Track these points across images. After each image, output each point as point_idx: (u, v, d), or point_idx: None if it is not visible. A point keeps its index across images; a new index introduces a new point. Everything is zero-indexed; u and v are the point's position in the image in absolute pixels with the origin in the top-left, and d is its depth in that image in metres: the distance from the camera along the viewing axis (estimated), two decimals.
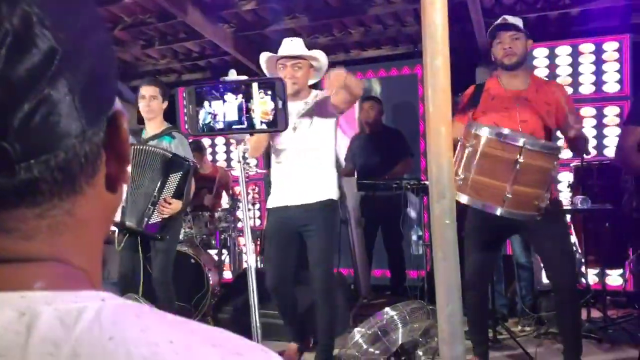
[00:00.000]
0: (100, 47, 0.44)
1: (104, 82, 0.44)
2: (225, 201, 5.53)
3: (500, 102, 2.85)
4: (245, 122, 1.94)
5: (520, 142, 2.39)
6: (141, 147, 3.39)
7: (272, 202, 3.27)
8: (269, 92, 1.92)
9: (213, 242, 4.92)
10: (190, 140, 5.42)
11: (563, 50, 4.94)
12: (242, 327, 3.94)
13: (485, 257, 2.98)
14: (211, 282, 4.44)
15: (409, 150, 4.91)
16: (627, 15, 5.04)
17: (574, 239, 4.19)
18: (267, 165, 5.96)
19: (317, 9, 5.17)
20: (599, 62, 4.85)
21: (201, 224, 4.83)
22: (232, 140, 2.02)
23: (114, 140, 0.46)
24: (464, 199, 2.46)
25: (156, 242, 3.45)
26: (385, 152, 4.81)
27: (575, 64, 4.91)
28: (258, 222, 6.13)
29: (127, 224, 3.35)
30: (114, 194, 0.47)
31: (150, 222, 3.36)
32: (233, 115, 1.94)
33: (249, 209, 5.94)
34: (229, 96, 1.93)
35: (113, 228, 3.46)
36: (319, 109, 3.11)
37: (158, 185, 3.35)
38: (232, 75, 2.01)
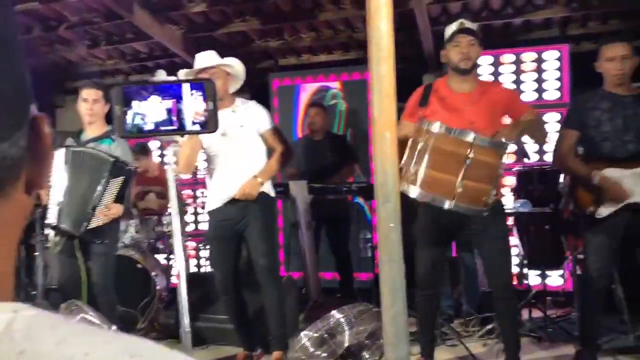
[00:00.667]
0: (12, 55, 0.43)
1: (20, 89, 0.44)
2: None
3: (450, 103, 2.93)
4: (176, 124, 1.92)
5: (470, 138, 2.47)
6: (79, 150, 3.34)
7: (210, 206, 3.38)
8: (200, 93, 1.91)
9: (161, 246, 4.84)
10: (138, 142, 5.35)
11: (507, 59, 5.11)
12: (192, 332, 3.91)
13: (436, 256, 3.05)
14: (158, 287, 4.37)
15: (354, 154, 4.98)
16: (566, 26, 5.26)
17: (516, 241, 4.33)
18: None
19: (267, 13, 5.17)
20: (540, 70, 5.04)
21: (148, 228, 4.74)
22: (161, 142, 2.03)
23: (35, 145, 0.45)
24: (414, 192, 2.51)
25: (95, 246, 3.40)
26: (331, 157, 4.86)
27: (518, 72, 5.09)
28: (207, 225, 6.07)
29: (62, 227, 3.29)
30: (30, 197, 0.46)
31: (89, 227, 3.30)
32: (163, 117, 1.92)
33: (199, 213, 5.89)
34: (158, 97, 1.91)
35: (47, 231, 3.39)
36: (248, 116, 3.28)
37: (99, 189, 3.29)
38: (161, 75, 1.99)
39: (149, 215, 4.86)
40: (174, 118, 1.93)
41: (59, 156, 3.31)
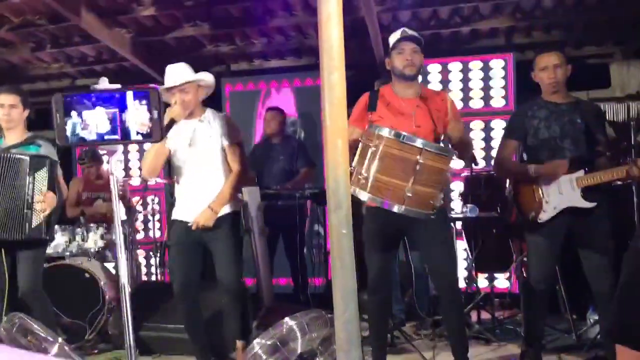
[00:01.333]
0: None
1: None
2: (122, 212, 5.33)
3: (396, 108, 2.99)
4: (119, 133, 1.89)
5: (419, 143, 2.52)
6: (2, 156, 3.26)
7: (176, 215, 3.36)
8: (144, 102, 1.89)
9: (109, 254, 4.72)
10: (86, 149, 5.21)
11: (454, 67, 5.24)
12: (141, 342, 3.84)
13: (386, 260, 3.08)
14: (107, 297, 4.26)
15: (311, 160, 4.99)
16: (511, 35, 5.44)
17: (464, 245, 4.44)
18: (168, 175, 5.84)
19: (218, 18, 5.14)
20: (486, 78, 5.19)
21: (96, 236, 4.62)
22: (104, 151, 2.02)
23: None
24: (364, 196, 2.53)
25: (22, 251, 3.34)
26: (288, 162, 4.86)
27: (465, 80, 5.23)
28: (158, 233, 5.97)
29: (4, 237, 3.22)
30: None
31: (34, 226, 3.25)
32: (106, 126, 1.89)
33: (148, 220, 5.78)
34: (101, 106, 1.88)
35: None
36: (217, 128, 3.27)
37: (28, 188, 3.25)
38: (104, 83, 1.95)
39: (97, 223, 4.74)
40: (118, 127, 1.89)
41: None
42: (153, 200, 5.42)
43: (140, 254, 5.73)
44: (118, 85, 1.93)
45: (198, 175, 3.26)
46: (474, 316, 4.14)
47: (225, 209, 3.26)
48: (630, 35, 5.16)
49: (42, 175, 3.31)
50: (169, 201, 5.97)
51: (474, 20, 5.13)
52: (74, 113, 1.89)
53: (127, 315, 2.02)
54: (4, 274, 3.35)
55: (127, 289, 2.04)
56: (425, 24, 5.20)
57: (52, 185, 3.36)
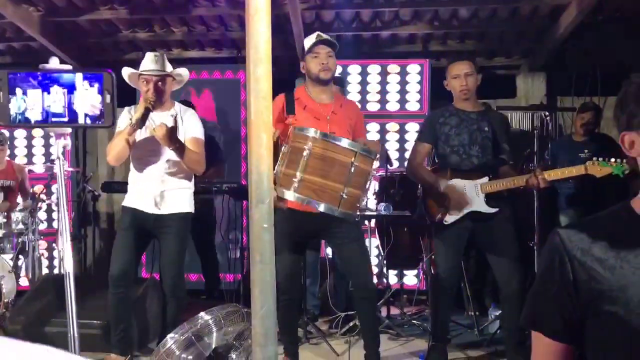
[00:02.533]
0: None
1: None
2: (21, 201, 5.01)
3: (312, 112, 3.02)
4: (67, 116, 1.80)
5: (351, 145, 2.56)
6: None
7: (130, 202, 3.32)
8: (96, 85, 1.80)
9: (8, 246, 4.42)
10: None
11: (373, 69, 5.36)
12: (36, 338, 3.62)
13: (296, 260, 3.13)
14: (4, 291, 3.99)
15: (221, 155, 4.93)
16: (428, 42, 5.64)
17: (376, 242, 4.56)
18: (76, 164, 5.56)
19: (137, 3, 4.95)
20: (403, 82, 5.35)
21: None
22: (51, 134, 1.84)
23: None
24: (290, 196, 2.53)
25: None
26: None
27: (383, 83, 5.36)
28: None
29: None
30: None
31: None
32: (54, 108, 1.79)
33: (52, 210, 5.47)
34: (50, 86, 1.78)
35: None
36: (184, 122, 3.29)
37: None
38: (54, 63, 1.84)
39: None
40: (66, 109, 1.79)
41: None
42: (57, 189, 5.14)
43: (42, 245, 5.40)
44: (69, 66, 1.83)
45: (161, 166, 3.26)
46: (384, 311, 4.26)
47: (181, 207, 3.31)
48: (536, 50, 5.51)
49: None
50: (76, 190, 5.69)
51: (394, 25, 5.27)
52: (18, 91, 1.78)
53: (71, 308, 1.91)
54: None
55: (71, 282, 1.93)
56: (348, 26, 5.27)
57: None
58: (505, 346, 3.31)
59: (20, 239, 4.52)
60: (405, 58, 5.45)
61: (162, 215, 3.27)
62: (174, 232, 3.28)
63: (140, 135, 3.21)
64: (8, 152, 5.10)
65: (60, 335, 3.66)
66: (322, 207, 2.55)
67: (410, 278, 5.12)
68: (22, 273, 4.73)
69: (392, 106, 5.36)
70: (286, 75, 5.01)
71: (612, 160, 2.94)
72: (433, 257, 4.14)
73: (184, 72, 3.33)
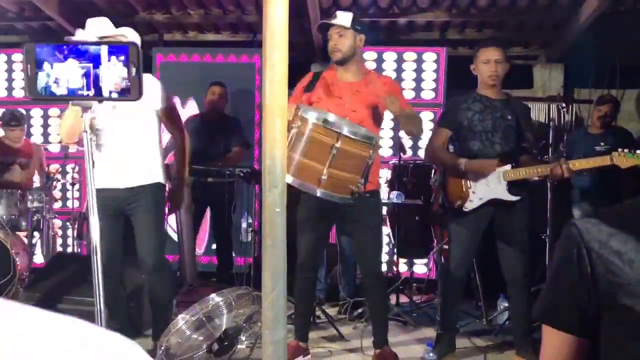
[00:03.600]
0: None
1: None
2: (37, 179, 5.07)
3: (334, 91, 3.03)
4: (93, 90, 1.77)
5: (341, 129, 2.54)
6: None
7: (97, 183, 3.07)
8: (121, 58, 1.77)
9: (23, 223, 4.48)
10: (8, 110, 4.92)
11: (389, 56, 5.32)
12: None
13: (317, 241, 3.14)
14: (19, 267, 4.06)
15: (246, 140, 4.94)
16: (446, 30, 5.59)
17: (388, 230, 4.56)
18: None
19: None
20: (419, 70, 5.31)
21: (10, 202, 4.38)
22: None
23: None
24: (287, 178, 2.54)
25: None
26: (222, 139, 4.78)
27: (399, 70, 5.32)
28: (77, 203, 5.72)
29: None
30: None
31: None
32: (78, 81, 1.76)
33: (67, 189, 5.53)
34: (74, 59, 1.75)
35: None
36: (147, 88, 3.00)
37: None
38: (80, 35, 1.82)
39: (10, 189, 4.48)
40: (91, 83, 1.76)
41: None
42: (73, 168, 5.19)
43: (57, 224, 5.47)
44: (94, 39, 1.80)
45: (122, 140, 3.01)
46: (393, 299, 4.27)
47: (151, 178, 3.08)
48: (555, 40, 5.44)
49: None
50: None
51: (412, 12, 5.23)
52: (46, 65, 1.75)
53: (98, 284, 1.88)
54: None
55: (99, 259, 1.90)
56: (364, 12, 5.24)
57: None
58: (514, 336, 3.32)
59: (35, 217, 4.58)
60: (422, 46, 5.40)
61: (131, 189, 3.06)
62: (148, 202, 3.07)
63: (101, 110, 2.86)
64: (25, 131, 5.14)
65: (72, 313, 3.71)
66: (305, 187, 2.54)
67: (421, 267, 5.12)
68: (37, 250, 4.81)
69: (407, 94, 5.31)
70: (302, 60, 5.00)
71: (639, 151, 2.89)
72: (444, 246, 4.15)
73: (127, 31, 3.00)
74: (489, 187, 3.16)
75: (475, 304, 4.30)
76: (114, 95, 1.80)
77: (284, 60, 2.19)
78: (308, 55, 5.58)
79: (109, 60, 1.78)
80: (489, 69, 3.19)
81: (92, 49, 1.77)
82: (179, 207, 3.17)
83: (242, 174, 4.32)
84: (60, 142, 5.45)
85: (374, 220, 3.10)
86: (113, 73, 1.78)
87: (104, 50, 1.77)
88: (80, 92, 1.78)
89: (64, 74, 1.77)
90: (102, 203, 3.04)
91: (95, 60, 1.77)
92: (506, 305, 3.80)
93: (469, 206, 3.17)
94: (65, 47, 1.77)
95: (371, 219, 3.05)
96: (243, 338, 2.53)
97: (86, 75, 1.77)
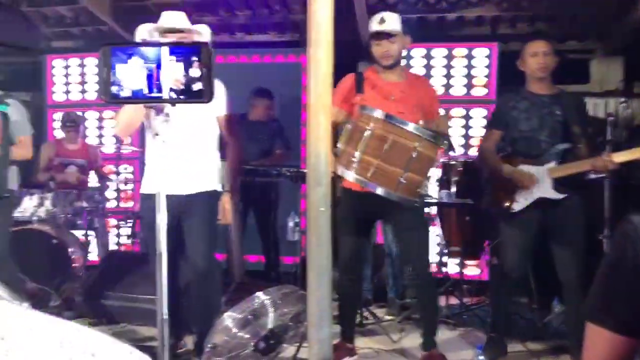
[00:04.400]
0: None
1: None
2: (93, 180, 5.23)
3: (380, 92, 3.01)
4: (155, 90, 1.74)
5: (415, 129, 2.54)
6: None
7: (149, 189, 3.02)
8: (181, 59, 1.72)
9: (79, 222, 4.63)
10: (68, 112, 5.10)
11: (439, 53, 5.23)
12: (97, 310, 3.80)
13: (360, 241, 3.12)
14: (75, 265, 4.19)
15: (288, 143, 4.96)
16: (497, 25, 5.45)
17: (438, 230, 4.48)
18: (142, 144, 5.73)
19: None
20: (470, 66, 5.19)
21: (67, 202, 4.53)
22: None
23: None
24: (350, 176, 2.54)
25: None
26: (265, 141, 4.82)
27: (448, 67, 5.22)
28: (131, 203, 5.88)
29: None
30: None
31: None
32: (141, 82, 1.73)
33: (121, 189, 5.69)
34: (142, 61, 1.72)
35: None
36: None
37: None
38: (147, 29, 1.80)
39: (67, 189, 4.64)
40: (153, 84, 1.73)
41: None
42: (126, 169, 5.34)
43: (111, 223, 5.63)
44: (171, 40, 1.77)
45: (182, 145, 2.91)
46: (442, 301, 4.19)
47: (208, 185, 3.01)
48: (613, 32, 5.21)
49: None
50: (143, 170, 5.86)
51: (461, 7, 5.11)
52: (118, 67, 1.73)
53: (161, 286, 1.89)
54: None
55: (164, 258, 1.90)
56: (412, 7, 5.16)
57: None
58: (569, 340, 3.19)
59: (90, 216, 4.72)
60: (472, 41, 5.28)
61: (187, 196, 2.97)
62: (203, 210, 3.01)
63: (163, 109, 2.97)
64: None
65: (122, 309, 3.81)
66: (379, 190, 2.54)
67: (471, 268, 5.00)
68: (91, 248, 4.96)
69: (458, 91, 5.22)
70: (348, 59, 4.96)
71: None
72: (496, 247, 4.04)
73: (204, 28, 2.98)
74: (535, 186, 3.06)
75: (529, 306, 4.16)
76: (172, 95, 1.75)
77: (328, 58, 2.17)
78: (354, 53, 5.54)
79: (178, 61, 1.73)
80: (536, 61, 3.11)
81: (161, 50, 1.73)
82: (230, 217, 3.06)
83: (288, 173, 4.33)
84: (115, 136, 5.57)
85: (419, 220, 3.06)
86: (173, 74, 1.74)
87: (164, 50, 1.73)
88: (151, 95, 1.74)
89: (133, 76, 1.73)
90: (151, 213, 2.98)
91: (157, 61, 1.73)
92: (561, 307, 3.66)
93: (516, 207, 3.10)
94: (130, 48, 1.74)
95: (417, 219, 3.01)
96: (289, 337, 2.52)
97: (153, 77, 1.73)
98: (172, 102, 1.79)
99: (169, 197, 2.76)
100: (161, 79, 1.74)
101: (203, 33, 2.98)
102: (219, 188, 3.08)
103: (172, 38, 2.85)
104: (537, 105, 3.14)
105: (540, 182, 3.06)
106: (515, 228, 3.14)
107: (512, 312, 3.43)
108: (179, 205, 2.88)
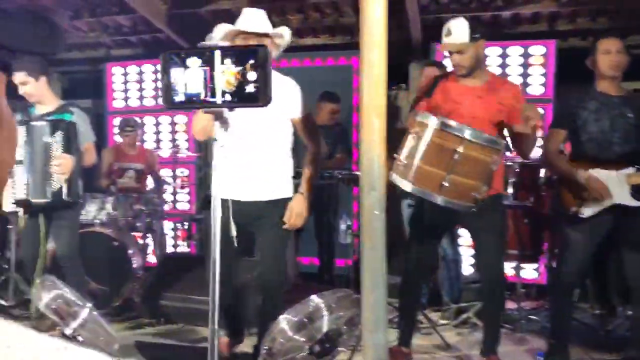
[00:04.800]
0: None
1: None
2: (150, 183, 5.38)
3: (454, 96, 2.94)
4: (209, 94, 1.74)
5: (463, 133, 2.45)
6: (28, 125, 3.33)
7: (224, 193, 2.89)
8: (233, 61, 1.71)
9: (138, 225, 4.77)
10: (126, 118, 5.28)
11: (493, 51, 5.11)
12: (154, 310, 3.90)
13: (429, 246, 3.12)
14: (134, 266, 4.32)
15: (349, 147, 4.96)
16: (554, 22, 5.28)
17: None
18: (198, 149, 5.86)
19: None
20: (525, 65, 5.05)
21: (126, 205, 4.67)
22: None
23: None
24: (407, 186, 2.50)
25: (57, 216, 3.46)
26: (331, 146, 4.83)
27: (503, 66, 5.09)
28: (187, 206, 6.01)
29: (34, 201, 3.31)
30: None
31: (54, 190, 3.32)
32: (197, 86, 1.74)
33: (177, 192, 5.83)
34: (201, 66, 1.73)
35: (17, 208, 3.40)
36: (282, 95, 2.70)
37: (46, 153, 3.31)
38: (212, 39, 1.82)
39: (127, 193, 4.79)
40: (207, 88, 1.73)
41: (21, 133, 3.29)
42: (182, 172, 5.46)
43: (168, 226, 5.78)
44: (223, 43, 1.78)
45: (256, 148, 2.79)
46: None
47: (281, 193, 2.86)
48: None
49: (57, 138, 3.34)
50: (198, 174, 5.99)
51: (517, 4, 4.98)
52: (177, 73, 1.75)
53: (214, 290, 1.92)
54: (41, 238, 3.44)
55: (217, 262, 1.91)
56: (465, 6, 5.07)
57: (69, 147, 3.37)
58: (634, 349, 3.05)
59: (148, 219, 4.86)
60: (528, 39, 5.13)
61: (259, 203, 2.85)
62: (274, 219, 2.85)
63: (238, 113, 2.72)
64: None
65: (179, 310, 3.91)
66: (426, 195, 2.48)
67: (529, 271, 4.86)
68: (150, 250, 5.10)
69: None
70: (400, 59, 4.93)
71: None
72: (556, 250, 3.90)
73: (285, 31, 2.83)
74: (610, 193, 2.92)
75: (589, 312, 4.02)
76: (226, 99, 1.74)
77: (382, 59, 2.16)
78: (406, 54, 5.49)
79: (235, 65, 1.72)
80: (609, 59, 2.95)
81: (208, 53, 1.73)
82: (298, 221, 2.84)
83: (340, 176, 4.33)
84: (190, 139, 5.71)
85: (496, 224, 2.96)
86: (225, 77, 1.72)
87: (217, 53, 1.72)
88: (202, 99, 1.74)
89: (190, 81, 1.74)
90: (234, 212, 2.76)
91: (211, 64, 1.72)
92: (627, 314, 3.51)
93: (586, 212, 2.94)
94: (197, 53, 1.74)
95: (493, 223, 2.93)
96: (343, 340, 2.51)
97: (203, 79, 1.73)
98: (227, 106, 1.78)
99: (236, 202, 2.73)
100: (215, 82, 1.74)
101: (285, 36, 2.84)
102: (291, 195, 2.89)
103: (252, 39, 2.75)
104: (607, 106, 2.98)
105: (617, 188, 2.92)
106: (583, 233, 2.99)
107: (574, 318, 3.30)
108: (248, 213, 2.80)
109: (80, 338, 2.67)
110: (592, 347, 3.44)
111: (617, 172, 2.91)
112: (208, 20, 5.60)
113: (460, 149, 2.43)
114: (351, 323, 2.54)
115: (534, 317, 4.00)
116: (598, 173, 2.92)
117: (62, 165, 3.32)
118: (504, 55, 5.08)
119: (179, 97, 1.76)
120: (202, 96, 1.76)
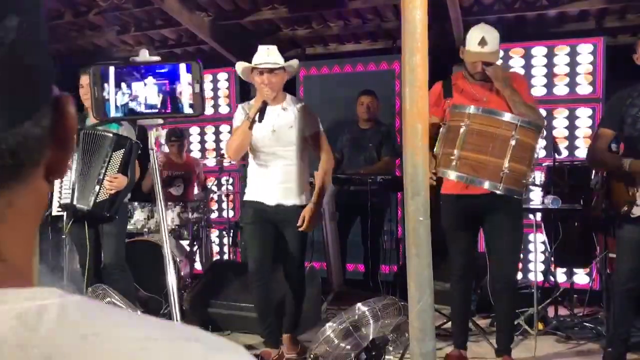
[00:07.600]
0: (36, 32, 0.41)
1: (44, 62, 0.41)
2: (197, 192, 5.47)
3: (470, 94, 2.98)
4: (169, 106, 1.87)
5: (512, 119, 2.53)
6: (87, 132, 3.42)
7: (250, 196, 3.39)
8: (184, 75, 1.86)
9: (185, 233, 4.86)
10: (173, 128, 5.40)
11: (539, 51, 4.99)
12: (201, 316, 3.95)
13: (469, 247, 3.13)
14: (182, 274, 4.39)
15: (396, 150, 4.93)
16: (602, 19, 5.12)
17: (543, 237, 4.26)
18: (242, 158, 5.92)
19: (296, 1, 5.13)
20: (573, 64, 4.91)
21: (174, 214, 4.77)
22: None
23: (58, 127, 0.43)
24: (452, 175, 2.55)
25: (106, 226, 3.54)
26: (373, 148, 4.82)
27: (550, 65, 4.97)
28: (232, 213, 6.09)
29: (78, 206, 3.40)
30: (50, 183, 0.44)
31: (98, 201, 3.40)
32: (156, 98, 1.87)
33: (222, 200, 5.91)
34: (152, 77, 1.86)
35: (62, 212, 3.50)
36: (299, 119, 3.29)
37: (103, 164, 3.40)
38: (143, 55, 1.94)
39: (175, 201, 4.88)
40: (168, 100, 1.87)
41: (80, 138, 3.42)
42: (227, 181, 5.53)
43: (214, 233, 5.86)
44: (158, 58, 1.92)
45: (276, 161, 3.29)
46: (551, 312, 3.97)
47: (297, 200, 3.31)
48: None
49: (118, 156, 3.43)
50: (243, 182, 6.05)
51: (563, 2, 4.86)
52: (123, 85, 1.88)
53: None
54: (87, 247, 3.54)
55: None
56: (509, 7, 4.97)
57: (126, 168, 3.47)
58: None
59: (195, 227, 4.94)
60: (575, 37, 4.99)
61: (283, 206, 3.28)
62: (296, 224, 3.27)
63: (261, 132, 3.22)
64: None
65: (226, 317, 3.95)
66: (486, 184, 2.52)
67: (582, 277, 4.71)
68: (197, 258, 5.18)
69: (560, 90, 4.96)
70: (443, 62, 4.86)
71: None
72: (610, 254, 3.77)
73: (294, 63, 3.31)
74: None
75: None
76: (189, 111, 1.88)
77: (424, 63, 2.13)
78: (449, 57, 5.42)
79: (165, 79, 1.86)
80: None
81: (168, 67, 1.87)
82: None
83: (382, 181, 4.31)
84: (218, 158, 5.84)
85: (515, 223, 3.00)
86: (189, 90, 1.87)
87: (182, 67, 1.86)
88: (158, 110, 1.88)
89: (142, 93, 1.87)
90: (254, 212, 3.34)
91: (173, 78, 1.86)
92: None
93: (636, 212, 2.85)
94: (141, 67, 1.88)
95: (513, 222, 2.96)
96: (391, 348, 2.49)
97: (163, 92, 1.87)
98: (161, 116, 1.92)
99: (261, 204, 3.29)
100: (178, 95, 1.87)
101: (294, 66, 3.31)
102: (306, 203, 3.32)
103: (266, 70, 3.15)
104: None
105: None
106: (634, 235, 2.91)
107: (632, 324, 3.18)
108: (273, 214, 3.28)
109: None
110: None
111: None
112: (250, 31, 5.68)
113: (517, 135, 2.50)
114: (398, 331, 2.52)
115: (588, 324, 3.87)
116: None
117: (114, 182, 3.41)
118: (549, 55, 4.96)
119: (139, 108, 1.89)
120: (160, 108, 1.89)
